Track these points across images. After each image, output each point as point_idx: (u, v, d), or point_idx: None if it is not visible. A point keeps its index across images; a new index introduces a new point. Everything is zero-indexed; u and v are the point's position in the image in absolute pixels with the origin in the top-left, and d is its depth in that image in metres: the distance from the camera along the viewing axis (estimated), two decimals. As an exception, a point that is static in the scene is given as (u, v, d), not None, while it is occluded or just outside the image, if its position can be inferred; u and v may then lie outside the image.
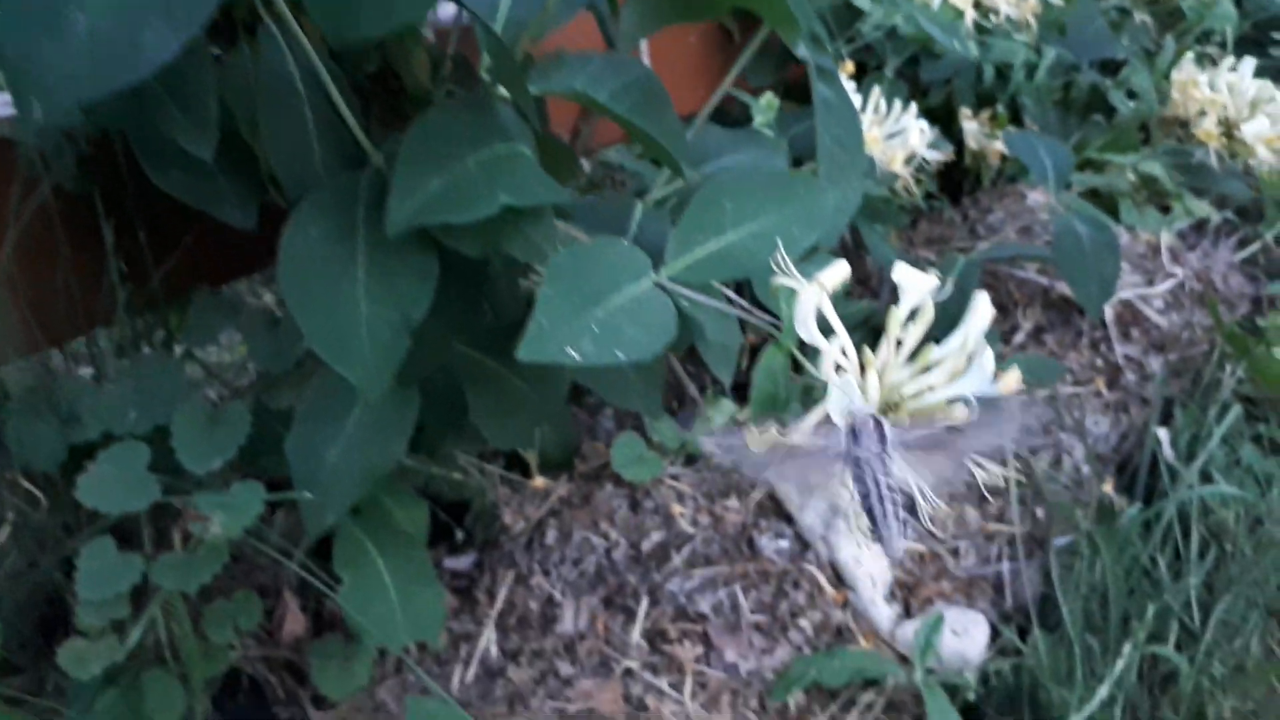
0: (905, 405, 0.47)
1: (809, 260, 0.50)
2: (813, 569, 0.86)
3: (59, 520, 0.72)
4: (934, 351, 0.47)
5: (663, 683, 0.79)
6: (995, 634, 0.85)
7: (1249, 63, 0.99)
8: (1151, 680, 0.83)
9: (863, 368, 0.46)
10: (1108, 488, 0.96)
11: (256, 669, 0.79)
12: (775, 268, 0.47)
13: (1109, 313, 1.12)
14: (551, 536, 0.88)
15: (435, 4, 0.53)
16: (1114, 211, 1.22)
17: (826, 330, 0.46)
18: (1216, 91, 0.98)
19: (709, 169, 0.74)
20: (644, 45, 0.99)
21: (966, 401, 0.46)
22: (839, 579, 0.87)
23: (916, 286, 0.47)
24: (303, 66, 0.55)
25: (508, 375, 0.73)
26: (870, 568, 0.86)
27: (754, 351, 0.88)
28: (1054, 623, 0.86)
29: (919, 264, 0.58)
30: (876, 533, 0.42)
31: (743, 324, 0.62)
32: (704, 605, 0.83)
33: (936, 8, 1.15)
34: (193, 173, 0.58)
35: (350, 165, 0.57)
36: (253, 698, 0.78)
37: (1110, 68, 1.37)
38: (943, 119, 1.24)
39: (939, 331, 0.48)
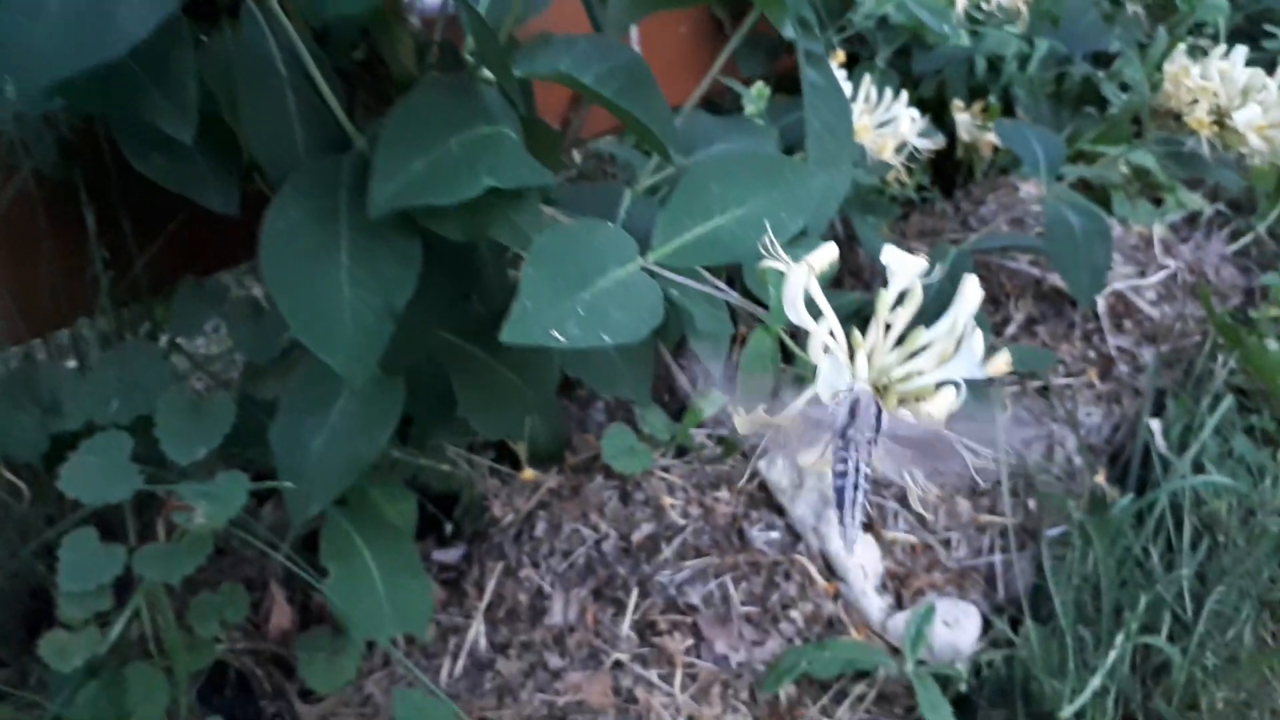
0: (894, 389, 0.47)
1: (797, 244, 0.49)
2: (804, 560, 0.86)
3: (41, 511, 0.71)
4: (923, 335, 0.46)
5: (653, 675, 0.78)
6: (987, 625, 0.85)
7: (1240, 51, 0.98)
8: (1144, 671, 0.83)
9: (851, 351, 0.46)
10: (1100, 479, 0.95)
11: (243, 662, 0.79)
12: (763, 251, 0.46)
13: (1101, 304, 1.11)
14: (541, 528, 0.88)
15: None
16: (1106, 204, 1.22)
17: (815, 313, 0.45)
18: (1208, 80, 0.97)
19: (699, 156, 0.74)
20: (634, 36, 0.99)
21: (956, 385, 0.45)
22: (830, 570, 0.86)
23: (905, 269, 0.47)
24: (284, 49, 0.55)
25: (496, 365, 0.73)
26: (861, 559, 0.86)
27: (745, 344, 0.88)
28: (1046, 614, 0.85)
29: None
30: (839, 514, 0.41)
31: (735, 316, 0.61)
32: (694, 597, 0.83)
33: (928, -4, 1.14)
34: (174, 157, 0.57)
35: (333, 149, 0.56)
36: (239, 691, 0.78)
37: (1103, 60, 1.36)
38: (934, 110, 1.23)
39: (929, 324, 0.47)
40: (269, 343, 0.70)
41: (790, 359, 0.49)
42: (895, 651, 0.82)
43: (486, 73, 0.58)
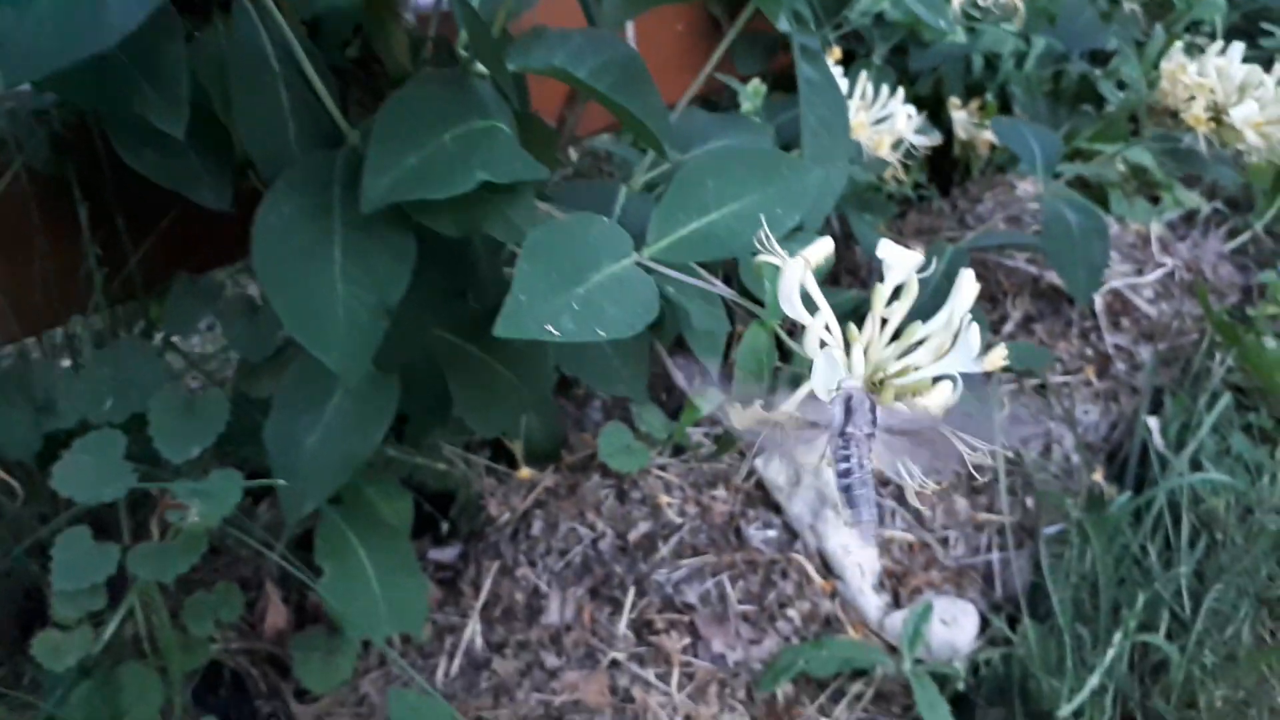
0: (890, 385, 0.47)
1: (793, 240, 0.49)
2: (801, 558, 0.86)
3: (35, 510, 0.71)
4: (919, 329, 0.46)
5: (649, 674, 0.78)
6: (985, 623, 0.85)
7: (1237, 47, 0.98)
8: (1142, 669, 0.82)
9: (847, 345, 0.46)
10: (1098, 476, 0.95)
11: (238, 662, 0.78)
12: (759, 246, 0.46)
13: (1099, 302, 1.11)
14: (537, 527, 0.87)
15: None
16: (1104, 202, 1.22)
17: (811, 307, 0.45)
18: (1205, 76, 0.97)
19: (695, 153, 0.73)
20: (631, 33, 0.99)
21: (952, 380, 0.45)
22: (827, 568, 0.86)
23: (901, 263, 0.46)
24: (278, 44, 0.54)
25: (492, 363, 0.73)
26: (859, 557, 0.86)
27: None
28: (1044, 612, 0.85)
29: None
30: (852, 513, 0.41)
31: (732, 315, 0.61)
32: (691, 595, 0.82)
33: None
34: (166, 153, 0.57)
35: (326, 144, 0.56)
36: (234, 691, 0.78)
37: (1100, 58, 1.36)
38: (931, 108, 1.23)
39: (925, 320, 0.47)
40: (263, 340, 0.70)
41: (787, 355, 0.49)
42: (893, 650, 0.81)
43: (480, 67, 0.57)
